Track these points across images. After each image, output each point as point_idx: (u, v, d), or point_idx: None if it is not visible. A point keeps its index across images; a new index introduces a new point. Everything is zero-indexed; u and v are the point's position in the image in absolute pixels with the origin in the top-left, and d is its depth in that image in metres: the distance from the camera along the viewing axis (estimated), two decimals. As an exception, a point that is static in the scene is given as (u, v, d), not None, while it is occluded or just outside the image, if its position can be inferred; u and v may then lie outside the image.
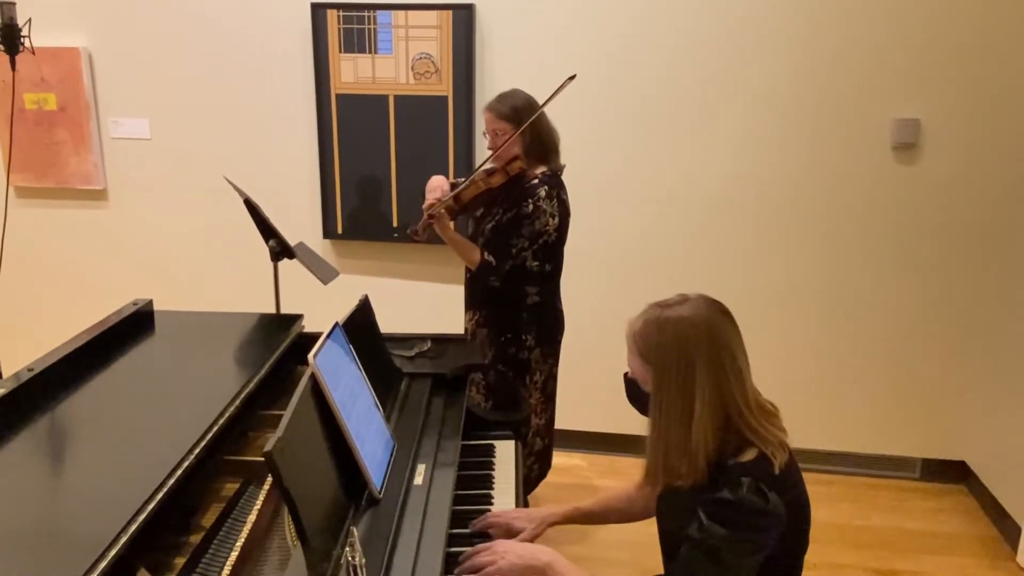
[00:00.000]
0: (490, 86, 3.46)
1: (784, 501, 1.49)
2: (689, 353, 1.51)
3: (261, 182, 3.65)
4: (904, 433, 3.66)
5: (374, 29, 3.53)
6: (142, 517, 1.40)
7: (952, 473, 3.66)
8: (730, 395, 1.52)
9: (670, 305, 1.58)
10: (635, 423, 3.88)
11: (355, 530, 1.39)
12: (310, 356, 1.53)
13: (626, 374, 1.69)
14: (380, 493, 1.59)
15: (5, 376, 1.91)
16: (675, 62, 3.45)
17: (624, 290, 3.70)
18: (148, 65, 3.78)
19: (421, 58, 3.53)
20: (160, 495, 1.46)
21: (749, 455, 1.52)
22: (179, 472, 1.54)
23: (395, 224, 3.72)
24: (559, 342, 2.96)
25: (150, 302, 2.39)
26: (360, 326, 1.96)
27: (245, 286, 3.91)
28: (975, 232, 3.41)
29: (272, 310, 2.82)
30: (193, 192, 3.89)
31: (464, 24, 3.45)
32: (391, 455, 1.74)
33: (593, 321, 3.49)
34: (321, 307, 2.56)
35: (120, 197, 3.96)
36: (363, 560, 1.30)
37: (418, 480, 1.71)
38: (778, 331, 3.61)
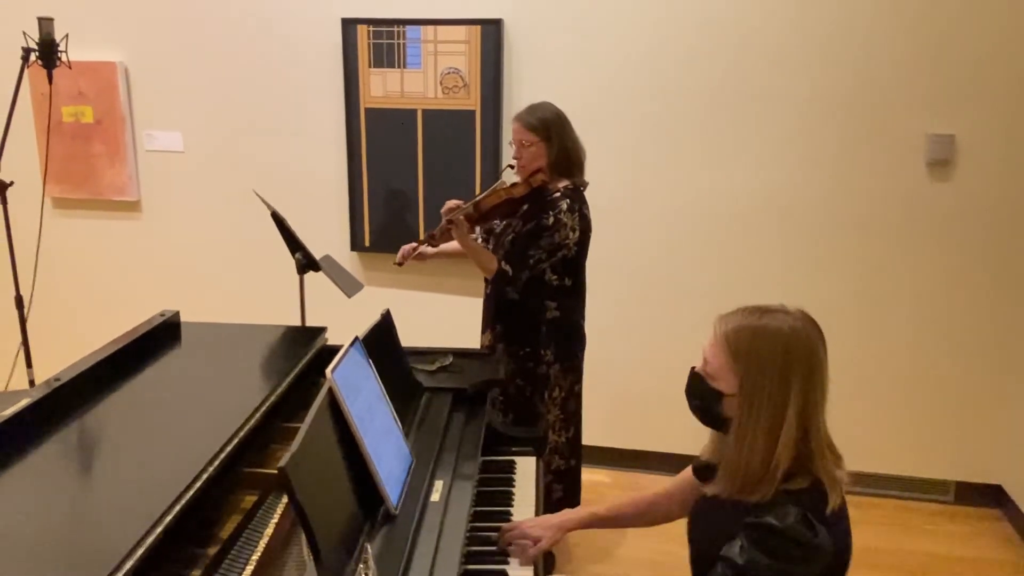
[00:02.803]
0: (518, 100, 3.47)
1: (832, 539, 1.44)
2: (790, 366, 1.46)
3: (291, 195, 3.69)
4: (938, 455, 3.58)
5: (403, 44, 3.55)
6: (159, 529, 1.41)
7: (987, 497, 3.57)
8: (814, 416, 1.48)
9: (771, 312, 1.52)
10: (657, 440, 3.85)
11: (369, 547, 1.39)
12: (328, 371, 1.53)
13: (693, 368, 1.62)
14: (396, 509, 1.58)
15: (36, 385, 1.95)
16: (702, 77, 3.42)
17: (640, 307, 3.67)
18: (182, 79, 3.85)
19: (449, 72, 3.54)
20: (178, 507, 1.47)
21: (802, 482, 1.48)
22: (197, 485, 1.55)
23: (421, 237, 3.72)
24: (580, 359, 2.93)
25: (177, 314, 2.42)
26: (381, 340, 1.96)
27: (272, 298, 3.93)
28: (1011, 250, 3.33)
29: (298, 322, 2.84)
30: (223, 205, 3.94)
31: (492, 39, 3.46)
32: (408, 471, 1.73)
33: (610, 336, 3.47)
34: (346, 320, 2.56)
35: (153, 209, 4.02)
36: (376, 577, 1.29)
37: (435, 496, 1.70)
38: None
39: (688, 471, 1.90)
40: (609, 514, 1.91)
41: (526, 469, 2.25)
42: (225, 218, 3.96)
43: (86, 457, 1.64)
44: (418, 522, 1.59)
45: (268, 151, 3.84)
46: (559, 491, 2.90)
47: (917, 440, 3.57)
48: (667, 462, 3.83)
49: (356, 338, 1.73)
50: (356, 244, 3.82)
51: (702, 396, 1.57)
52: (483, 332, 2.99)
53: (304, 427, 1.38)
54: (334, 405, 1.52)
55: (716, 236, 3.56)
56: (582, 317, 2.92)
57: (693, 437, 3.71)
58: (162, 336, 2.33)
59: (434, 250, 3.04)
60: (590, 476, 3.79)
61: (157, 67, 3.85)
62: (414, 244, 2.97)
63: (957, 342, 3.47)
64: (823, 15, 3.29)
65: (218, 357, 2.25)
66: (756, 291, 3.51)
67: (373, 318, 2.86)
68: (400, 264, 2.96)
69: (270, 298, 3.92)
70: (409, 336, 2.50)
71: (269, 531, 1.60)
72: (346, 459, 1.52)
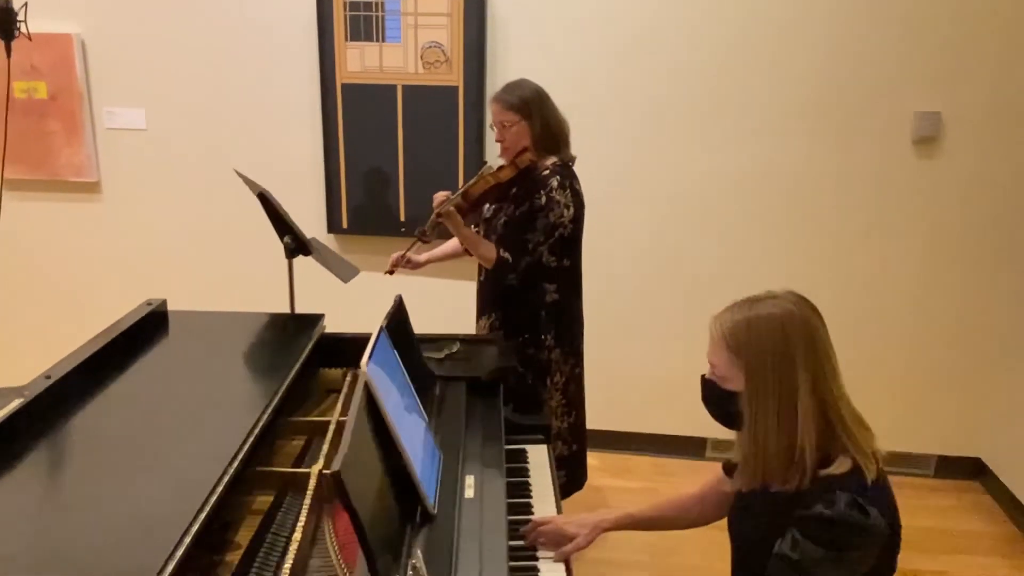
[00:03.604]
0: (502, 76, 3.35)
1: (884, 519, 1.41)
2: (789, 348, 1.43)
3: (263, 174, 3.48)
4: (919, 429, 3.63)
5: (382, 16, 3.41)
6: (188, 540, 1.30)
7: (968, 470, 3.63)
8: (828, 392, 1.45)
9: (760, 300, 1.50)
10: (646, 422, 3.83)
11: (419, 551, 1.30)
12: (363, 363, 1.43)
13: (704, 376, 1.59)
14: (434, 509, 1.50)
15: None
16: (692, 55, 3.37)
17: (635, 286, 3.63)
18: (144, 52, 3.63)
19: (431, 47, 3.42)
20: (204, 514, 1.36)
21: (842, 467, 1.44)
22: (220, 488, 1.45)
23: (402, 219, 3.61)
24: (580, 343, 2.86)
25: (164, 302, 2.28)
26: (397, 328, 1.86)
27: (245, 283, 3.78)
28: (995, 227, 3.37)
29: (277, 309, 2.68)
30: (191, 185, 3.76)
31: (476, 12, 3.34)
32: (439, 467, 1.65)
33: (600, 318, 3.40)
34: (325, 305, 2.48)
35: (114, 190, 3.81)
36: (431, 583, 1.21)
37: (468, 493, 1.62)
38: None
39: (719, 471, 1.86)
40: (644, 515, 1.87)
41: (537, 458, 2.19)
42: (193, 199, 3.77)
43: (94, 462, 1.51)
44: (458, 522, 1.51)
45: (238, 129, 3.66)
46: (563, 477, 2.83)
47: (899, 415, 3.61)
48: (656, 443, 3.82)
49: (382, 327, 1.63)
50: (333, 226, 3.68)
51: (718, 401, 1.54)
52: (478, 319, 2.90)
53: (349, 426, 1.28)
54: (370, 400, 1.42)
55: (706, 216, 3.53)
56: (580, 298, 2.85)
57: (684, 418, 3.71)
58: (150, 326, 2.19)
59: (426, 257, 2.96)
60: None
61: (117, 40, 3.62)
62: (402, 252, 2.87)
63: (938, 318, 3.50)
64: (812, -9, 3.26)
65: (213, 348, 2.12)
66: (745, 270, 3.51)
67: (355, 303, 2.75)
68: (391, 273, 2.85)
69: (244, 284, 3.77)
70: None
71: (297, 535, 1.50)
72: (384, 458, 1.43)
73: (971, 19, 3.19)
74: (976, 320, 3.48)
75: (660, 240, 3.58)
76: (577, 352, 2.84)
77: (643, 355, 3.70)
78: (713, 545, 3.08)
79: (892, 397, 3.59)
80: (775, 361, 1.43)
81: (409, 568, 1.29)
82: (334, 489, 1.15)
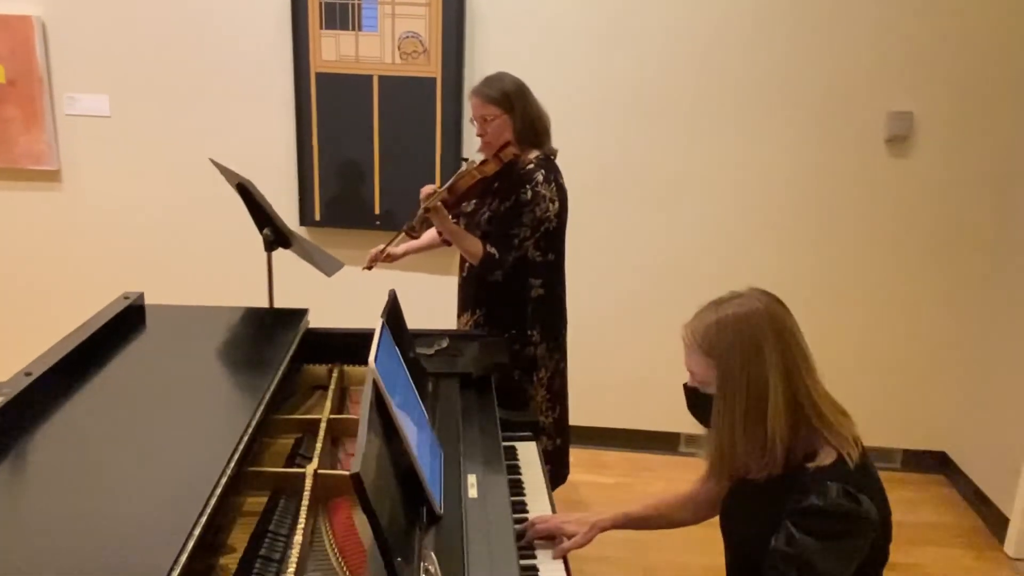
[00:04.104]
0: (481, 68, 3.32)
1: (875, 505, 1.43)
2: (756, 341, 1.46)
3: (233, 165, 3.42)
4: (885, 424, 3.69)
5: (358, 5, 3.34)
6: (192, 543, 1.25)
7: (932, 464, 3.71)
8: (800, 381, 1.48)
9: (726, 301, 1.54)
10: (619, 417, 3.82)
11: (432, 554, 1.27)
12: (371, 361, 1.38)
13: (685, 384, 1.61)
14: (440, 509, 1.46)
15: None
16: (668, 51, 3.37)
17: (607, 282, 3.63)
18: (109, 36, 3.50)
19: (408, 37, 3.36)
20: (205, 516, 1.31)
21: (827, 458, 1.46)
22: (219, 490, 1.39)
23: (377, 212, 3.55)
24: (564, 337, 2.85)
25: (141, 295, 2.19)
26: (392, 324, 1.81)
27: (213, 276, 3.69)
28: (963, 225, 3.44)
29: (251, 303, 2.59)
30: (157, 175, 3.64)
31: (454, 2, 3.29)
32: (441, 465, 1.61)
33: (572, 313, 3.40)
34: (298, 299, 2.43)
35: (75, 179, 3.68)
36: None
37: (472, 492, 1.59)
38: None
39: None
40: (640, 514, 1.88)
41: (527, 456, 2.17)
42: (159, 190, 3.66)
43: (88, 462, 1.44)
44: (464, 522, 1.48)
45: (207, 117, 3.56)
46: (547, 472, 2.83)
47: (865, 410, 3.60)
48: (630, 439, 3.82)
49: (384, 324, 1.58)
50: (305, 218, 3.60)
51: (702, 406, 1.56)
52: (459, 315, 2.86)
53: (362, 426, 1.25)
54: (378, 398, 1.38)
55: (679, 212, 3.54)
56: (564, 293, 2.83)
57: (657, 414, 3.72)
58: (127, 321, 2.11)
59: (403, 249, 2.91)
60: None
61: (80, 22, 3.49)
62: (381, 247, 2.82)
63: (905, 315, 3.57)
64: (789, -9, 3.29)
65: (197, 344, 2.05)
66: (718, 266, 3.53)
67: (328, 298, 2.69)
68: (369, 268, 2.81)
69: (212, 277, 3.69)
70: (371, 319, 2.36)
71: (299, 538, 1.45)
72: (392, 458, 1.39)
73: (943, 20, 3.25)
74: (942, 318, 3.55)
75: (633, 236, 3.58)
76: (562, 347, 2.82)
77: (617, 351, 3.70)
78: (691, 541, 3.11)
79: (859, 392, 3.61)
80: (744, 357, 1.46)
81: (422, 572, 1.25)
82: (354, 491, 1.11)
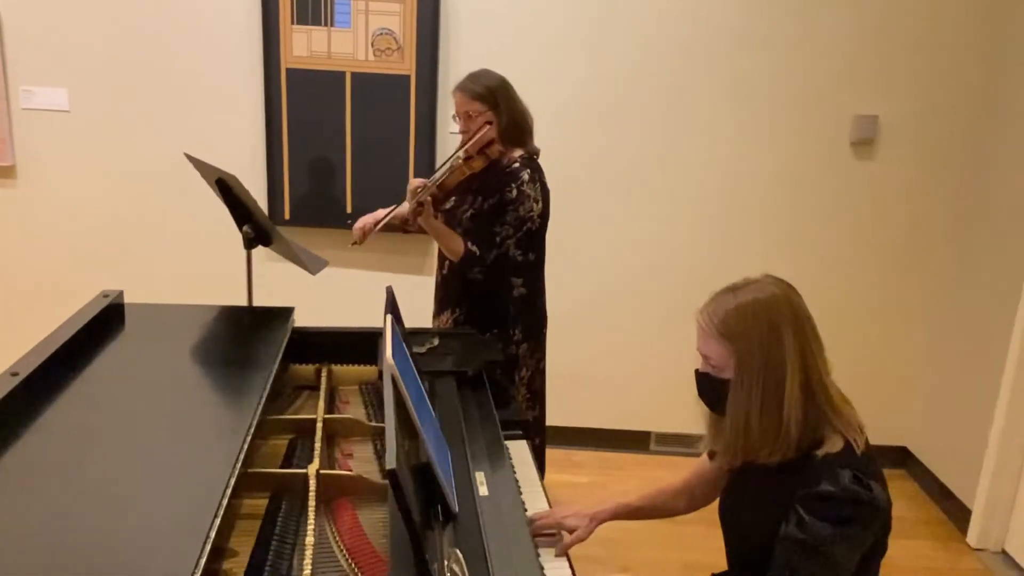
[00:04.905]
0: (455, 66, 3.31)
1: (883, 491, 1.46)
2: (775, 325, 1.48)
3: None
4: (850, 421, 3.77)
5: (331, 1, 3.29)
6: (208, 546, 1.21)
7: (893, 458, 3.81)
8: (815, 367, 1.50)
9: (743, 287, 1.55)
10: (590, 417, 3.82)
11: (457, 551, 1.25)
12: (388, 357, 1.36)
13: (697, 370, 1.60)
14: (455, 507, 1.44)
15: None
16: (643, 52, 3.40)
17: (578, 281, 3.63)
18: (68, 28, 3.38)
19: (382, 34, 3.32)
20: (218, 519, 1.27)
21: (836, 445, 1.48)
22: (229, 490, 1.35)
23: (349, 210, 3.50)
24: (544, 336, 2.85)
25: (120, 293, 2.12)
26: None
27: (176, 274, 3.59)
28: (924, 225, 3.54)
29: (218, 302, 2.52)
30: (118, 172, 3.53)
31: None
32: (451, 462, 1.59)
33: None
34: (270, 298, 2.39)
35: (31, 175, 3.54)
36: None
37: (482, 491, 1.57)
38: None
39: (701, 462, 1.90)
40: (637, 504, 1.88)
41: (519, 455, 2.15)
42: (119, 187, 3.54)
43: (88, 466, 1.38)
44: (480, 521, 1.46)
45: (172, 112, 3.46)
46: (528, 472, 2.82)
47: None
48: (601, 438, 3.83)
49: (394, 321, 1.56)
50: (275, 217, 3.52)
51: (716, 391, 1.56)
52: (437, 315, 2.83)
53: (389, 422, 1.22)
54: (397, 395, 1.36)
55: (647, 214, 3.57)
56: (544, 292, 2.83)
57: (628, 413, 3.74)
58: (107, 320, 2.04)
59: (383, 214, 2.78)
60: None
61: (38, 13, 3.36)
62: (376, 219, 2.67)
63: (866, 311, 3.65)
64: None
65: (184, 343, 1.99)
66: (688, 266, 3.57)
67: (305, 297, 2.63)
68: (359, 243, 2.69)
69: (177, 275, 3.58)
70: (346, 318, 2.33)
71: (310, 539, 1.41)
72: (411, 455, 1.36)
73: (907, 31, 3.35)
74: (901, 314, 3.65)
75: (603, 236, 3.59)
76: (542, 346, 2.83)
77: (589, 351, 3.71)
78: (669, 538, 3.15)
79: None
80: (763, 343, 1.47)
81: (447, 571, 1.23)
82: (391, 487, 1.08)
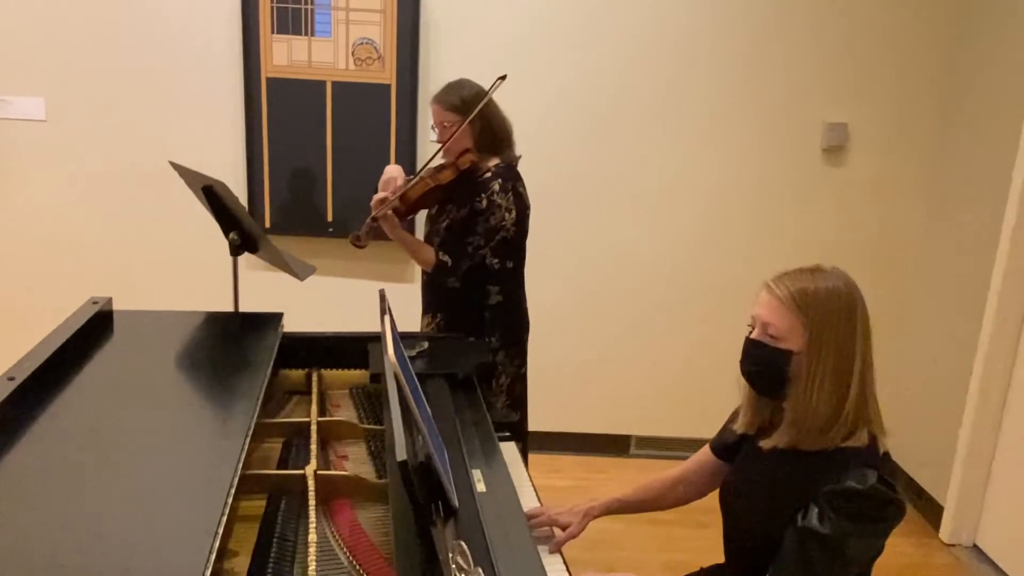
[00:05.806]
0: (436, 75, 3.34)
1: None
2: (852, 312, 1.55)
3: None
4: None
5: (311, 9, 3.31)
6: (216, 544, 1.22)
7: (867, 458, 3.88)
8: (870, 360, 1.57)
9: (821, 272, 1.61)
10: (570, 421, 3.84)
11: (463, 544, 1.28)
12: (389, 355, 1.38)
13: (750, 336, 1.62)
14: (455, 503, 1.47)
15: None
16: (619, 61, 3.47)
17: (559, 286, 3.68)
18: (45, 37, 3.37)
19: (362, 43, 3.35)
20: (224, 519, 1.29)
21: (861, 439, 1.52)
22: (233, 490, 1.37)
23: (330, 219, 3.51)
24: (525, 342, 2.87)
25: (109, 300, 2.12)
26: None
27: (156, 282, 3.57)
28: (893, 228, 3.64)
29: (196, 309, 2.52)
30: (95, 182, 3.51)
31: (410, 8, 3.31)
32: (447, 460, 1.62)
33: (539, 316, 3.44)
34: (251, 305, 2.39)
35: (6, 185, 3.51)
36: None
37: (480, 487, 1.60)
38: (704, 323, 3.70)
39: (702, 453, 1.92)
40: (631, 498, 1.91)
41: (509, 455, 2.16)
42: (97, 197, 3.52)
43: (90, 469, 1.39)
44: (480, 517, 1.49)
45: (151, 122, 3.45)
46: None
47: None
48: (581, 442, 3.87)
49: (393, 321, 1.58)
50: (255, 226, 3.53)
51: (768, 361, 1.57)
52: (423, 315, 2.85)
53: (396, 418, 1.25)
54: (400, 392, 1.38)
55: (623, 220, 3.62)
56: (524, 298, 2.86)
57: (608, 417, 3.78)
58: (96, 327, 2.04)
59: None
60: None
61: (13, 22, 3.34)
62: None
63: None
64: (729, 8, 3.42)
65: (173, 349, 2.00)
66: (663, 271, 3.63)
67: (288, 304, 2.64)
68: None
69: (156, 284, 3.56)
70: (328, 324, 2.35)
71: (313, 536, 1.43)
72: (413, 451, 1.39)
73: (876, 37, 3.45)
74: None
75: (582, 242, 3.64)
76: (522, 353, 2.84)
77: (569, 355, 3.75)
78: (651, 539, 3.20)
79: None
80: (840, 329, 1.52)
81: (452, 563, 1.26)
82: (401, 479, 1.11)
